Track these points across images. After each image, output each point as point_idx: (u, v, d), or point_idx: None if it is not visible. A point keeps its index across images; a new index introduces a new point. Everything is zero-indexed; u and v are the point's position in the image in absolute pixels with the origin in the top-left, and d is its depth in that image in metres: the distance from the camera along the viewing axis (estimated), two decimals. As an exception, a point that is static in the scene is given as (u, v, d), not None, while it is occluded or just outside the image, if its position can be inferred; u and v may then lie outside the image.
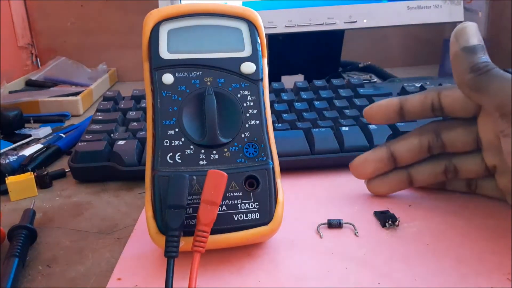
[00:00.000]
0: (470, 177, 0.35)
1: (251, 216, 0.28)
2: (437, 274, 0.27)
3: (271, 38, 0.68)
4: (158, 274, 0.28)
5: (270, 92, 0.52)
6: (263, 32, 0.32)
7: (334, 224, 0.32)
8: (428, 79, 0.56)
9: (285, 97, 0.50)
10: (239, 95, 0.30)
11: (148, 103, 0.30)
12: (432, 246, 0.30)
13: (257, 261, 0.29)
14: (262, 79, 0.31)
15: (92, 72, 0.82)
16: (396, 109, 0.35)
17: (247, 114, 0.30)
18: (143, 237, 0.31)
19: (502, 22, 0.74)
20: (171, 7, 0.31)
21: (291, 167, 0.41)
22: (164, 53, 0.30)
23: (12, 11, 0.82)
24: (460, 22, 0.63)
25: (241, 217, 0.28)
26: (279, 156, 0.31)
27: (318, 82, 0.53)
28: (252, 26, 0.31)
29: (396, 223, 0.32)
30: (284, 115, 0.46)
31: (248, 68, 0.30)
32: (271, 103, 0.49)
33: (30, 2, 0.86)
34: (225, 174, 0.26)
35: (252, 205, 0.28)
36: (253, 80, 0.30)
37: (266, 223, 0.28)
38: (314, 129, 0.43)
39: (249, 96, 0.30)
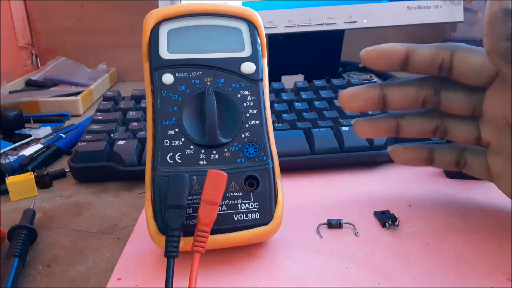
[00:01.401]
0: (458, 141, 0.33)
1: (251, 216, 0.28)
2: (437, 274, 0.27)
3: (271, 38, 0.68)
4: (158, 274, 0.28)
5: (270, 92, 0.52)
6: (263, 32, 0.32)
7: (334, 224, 0.32)
8: (428, 79, 0.56)
9: (285, 97, 0.50)
10: (239, 95, 0.30)
11: (148, 103, 0.30)
12: (432, 246, 0.30)
13: (257, 261, 0.29)
14: (262, 79, 0.31)
15: (92, 72, 0.82)
16: (401, 56, 0.31)
17: (247, 114, 0.30)
18: (143, 237, 0.31)
19: (502, 22, 0.74)
20: (171, 7, 0.31)
21: (291, 167, 0.41)
22: (164, 53, 0.30)
23: (12, 11, 0.82)
24: (460, 22, 0.63)
25: (241, 217, 0.28)
26: (279, 156, 0.31)
27: (318, 82, 0.53)
28: (252, 26, 0.31)
29: (396, 223, 0.32)
30: (284, 115, 0.46)
31: (248, 68, 0.30)
32: (271, 103, 0.49)
33: (30, 2, 0.86)
34: (225, 174, 0.26)
35: (252, 205, 0.28)
36: (253, 80, 0.30)
37: (266, 223, 0.28)
38: (314, 129, 0.43)
39: (249, 96, 0.30)
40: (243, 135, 0.29)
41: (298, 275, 0.28)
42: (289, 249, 0.30)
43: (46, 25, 0.88)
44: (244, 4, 0.63)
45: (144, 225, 0.29)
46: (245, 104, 0.30)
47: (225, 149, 0.29)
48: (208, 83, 0.30)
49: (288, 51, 0.69)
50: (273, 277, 0.28)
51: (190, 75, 0.30)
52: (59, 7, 0.86)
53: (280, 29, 0.62)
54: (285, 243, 0.31)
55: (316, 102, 0.49)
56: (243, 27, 0.31)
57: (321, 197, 0.37)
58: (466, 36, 0.74)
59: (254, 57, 0.31)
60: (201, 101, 0.29)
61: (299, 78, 0.69)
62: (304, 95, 0.51)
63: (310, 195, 0.38)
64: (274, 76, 0.68)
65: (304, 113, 0.47)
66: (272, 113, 0.48)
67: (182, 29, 0.31)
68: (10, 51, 0.81)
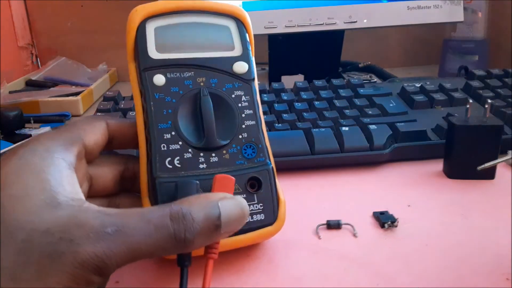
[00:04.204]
0: None
1: (256, 217, 0.28)
2: (436, 274, 0.27)
3: (271, 38, 0.68)
4: (157, 277, 0.28)
5: (270, 92, 0.52)
6: (251, 30, 0.31)
7: (333, 225, 0.32)
8: (428, 79, 0.56)
9: (285, 97, 0.50)
10: (233, 96, 0.29)
11: (137, 105, 0.29)
12: (431, 246, 0.30)
13: (255, 262, 0.29)
14: (254, 79, 0.30)
15: (92, 72, 0.82)
16: None
17: (243, 115, 0.29)
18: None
19: (502, 22, 0.74)
20: (157, 3, 0.30)
21: (291, 167, 0.41)
22: (153, 52, 0.29)
23: (12, 11, 0.82)
24: (460, 22, 0.63)
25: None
26: (279, 156, 0.31)
27: (318, 82, 0.53)
28: (241, 24, 0.31)
29: (395, 223, 0.32)
30: (284, 115, 0.46)
31: (240, 67, 0.30)
32: (271, 103, 0.49)
33: (30, 2, 0.86)
34: (233, 177, 0.26)
35: (256, 207, 0.28)
36: (246, 79, 0.30)
37: (271, 224, 0.28)
38: (314, 129, 0.43)
39: (243, 96, 0.29)
40: (240, 136, 0.29)
41: (297, 276, 0.28)
42: (288, 250, 0.30)
43: (46, 25, 0.88)
44: (244, 4, 0.63)
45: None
46: (240, 105, 0.29)
47: (224, 151, 0.28)
48: (201, 84, 0.29)
49: (288, 51, 0.69)
50: (272, 278, 0.28)
51: (182, 75, 0.29)
52: (59, 7, 0.86)
53: (280, 29, 0.62)
54: (283, 244, 0.31)
55: (316, 102, 0.49)
56: (231, 25, 0.30)
57: (320, 198, 0.37)
58: (466, 36, 0.74)
59: (245, 56, 0.30)
60: (196, 102, 0.28)
61: (299, 78, 0.69)
62: (304, 95, 0.51)
63: (309, 196, 0.38)
64: (274, 76, 0.68)
65: (304, 113, 0.47)
66: (272, 113, 0.48)
67: (169, 27, 0.29)
68: (10, 51, 0.81)
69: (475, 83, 0.52)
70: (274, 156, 0.30)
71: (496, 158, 0.38)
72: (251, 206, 0.28)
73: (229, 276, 0.28)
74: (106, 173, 0.29)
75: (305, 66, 0.70)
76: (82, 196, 0.23)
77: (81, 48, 0.89)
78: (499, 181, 0.38)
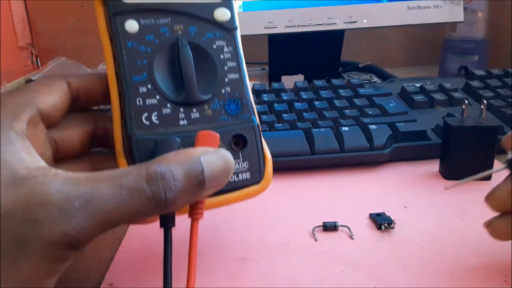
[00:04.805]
0: None
1: (242, 176, 0.26)
2: (434, 276, 0.27)
3: (271, 38, 0.68)
4: (151, 278, 0.28)
5: (270, 92, 0.52)
6: None
7: (329, 227, 0.32)
8: (428, 79, 0.56)
9: (285, 97, 0.50)
10: (214, 46, 0.27)
11: (107, 56, 0.26)
12: (428, 248, 0.30)
13: (251, 264, 0.29)
14: (237, 28, 0.27)
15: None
16: None
17: (225, 68, 0.27)
18: (136, 240, 0.30)
19: (502, 22, 0.74)
20: None
21: (291, 167, 0.41)
22: None
23: (12, 11, 0.82)
24: (460, 22, 0.63)
25: (232, 178, 0.26)
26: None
27: (318, 82, 0.53)
28: None
29: (392, 225, 0.32)
30: (284, 115, 0.46)
31: (222, 15, 0.27)
32: (271, 103, 0.49)
33: (30, 2, 0.86)
34: (217, 134, 0.24)
35: (242, 165, 0.26)
36: (229, 28, 0.27)
37: (257, 182, 0.27)
38: (314, 129, 0.43)
39: (225, 47, 0.27)
40: (223, 91, 0.26)
41: (293, 279, 0.27)
42: (284, 252, 0.30)
43: (46, 25, 0.88)
44: (244, 4, 0.63)
45: (137, 226, 0.28)
46: (222, 56, 0.27)
47: (206, 107, 0.26)
48: (179, 32, 0.26)
49: (288, 51, 0.69)
50: (267, 281, 0.27)
51: (158, 22, 0.26)
52: (59, 7, 0.86)
53: (280, 29, 0.62)
54: (279, 246, 0.31)
55: (316, 102, 0.49)
56: None
57: (318, 198, 0.37)
58: (466, 36, 0.74)
59: (227, 2, 0.27)
60: (174, 52, 0.26)
61: (299, 78, 0.69)
62: (304, 95, 0.51)
63: (307, 196, 0.37)
64: (274, 76, 0.68)
65: (304, 113, 0.47)
66: (272, 113, 0.48)
67: None
68: (10, 51, 0.81)
69: (475, 83, 0.52)
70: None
71: (492, 158, 0.38)
72: (236, 164, 0.26)
73: (224, 279, 0.28)
74: (73, 134, 0.27)
75: (305, 66, 0.70)
76: (44, 164, 0.21)
77: (81, 48, 0.89)
78: (496, 182, 0.38)
